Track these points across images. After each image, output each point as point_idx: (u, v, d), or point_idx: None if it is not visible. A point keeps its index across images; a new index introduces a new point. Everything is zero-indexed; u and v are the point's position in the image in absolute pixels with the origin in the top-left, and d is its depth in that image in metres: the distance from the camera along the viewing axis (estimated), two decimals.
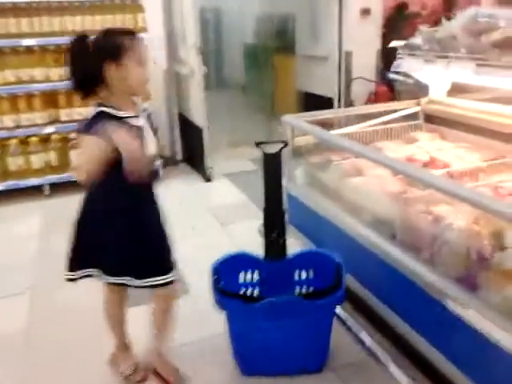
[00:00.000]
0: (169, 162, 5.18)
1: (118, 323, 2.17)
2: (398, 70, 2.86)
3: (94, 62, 1.73)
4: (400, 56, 2.84)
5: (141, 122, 1.85)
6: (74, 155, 4.07)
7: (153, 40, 4.64)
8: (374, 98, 5.48)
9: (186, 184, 4.77)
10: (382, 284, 2.14)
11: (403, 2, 5.87)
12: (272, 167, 2.16)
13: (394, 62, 2.86)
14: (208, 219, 3.90)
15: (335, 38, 5.58)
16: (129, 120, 1.79)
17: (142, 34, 4.47)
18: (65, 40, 4.31)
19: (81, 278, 1.97)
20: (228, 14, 8.38)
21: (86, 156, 1.73)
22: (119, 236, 1.89)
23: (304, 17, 6.12)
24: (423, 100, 3.03)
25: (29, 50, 4.23)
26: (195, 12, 4.30)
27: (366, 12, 5.51)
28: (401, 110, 3.09)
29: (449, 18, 2.56)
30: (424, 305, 1.83)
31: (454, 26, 2.41)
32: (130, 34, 1.80)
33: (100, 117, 1.74)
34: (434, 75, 2.68)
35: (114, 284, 1.99)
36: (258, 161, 2.10)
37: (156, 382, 2.14)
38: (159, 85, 4.90)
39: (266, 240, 2.16)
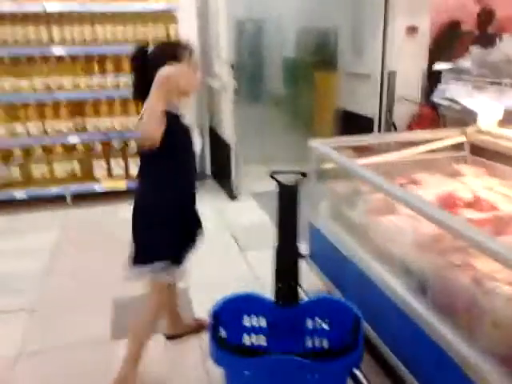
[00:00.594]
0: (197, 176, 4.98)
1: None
2: (443, 97, 2.55)
3: (152, 70, 1.81)
4: (445, 80, 2.54)
5: (188, 124, 2.04)
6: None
7: None
8: (417, 122, 5.12)
9: (211, 200, 4.54)
10: (405, 345, 1.83)
11: (456, 20, 5.50)
12: (287, 201, 1.90)
13: (439, 86, 2.56)
14: (227, 242, 3.66)
15: (379, 55, 5.28)
16: (181, 119, 1.99)
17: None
18: (94, 49, 4.33)
19: None
20: (268, 26, 8.19)
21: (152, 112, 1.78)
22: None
23: (347, 31, 5.85)
24: (470, 129, 2.69)
25: (58, 58, 4.15)
26: (229, 26, 4.10)
27: (412, 30, 5.18)
28: (444, 138, 2.77)
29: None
30: (455, 381, 1.51)
31: (510, 47, 2.10)
32: (184, 46, 1.97)
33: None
34: (484, 103, 2.36)
35: None
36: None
37: None
38: (191, 98, 4.72)
39: (277, 284, 1.89)
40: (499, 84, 2.11)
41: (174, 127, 1.90)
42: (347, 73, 5.90)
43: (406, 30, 5.18)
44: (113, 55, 4.23)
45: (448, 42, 5.42)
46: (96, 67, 4.22)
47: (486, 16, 4.91)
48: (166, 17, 4.26)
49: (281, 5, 7.32)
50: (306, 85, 6.92)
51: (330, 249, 2.39)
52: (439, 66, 2.56)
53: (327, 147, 2.44)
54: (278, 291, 1.90)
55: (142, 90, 1.88)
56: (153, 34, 4.24)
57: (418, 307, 1.72)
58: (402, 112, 5.34)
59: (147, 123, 1.79)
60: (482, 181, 2.45)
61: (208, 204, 4.47)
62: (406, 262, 1.90)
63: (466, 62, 2.39)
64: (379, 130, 5.44)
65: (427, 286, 1.76)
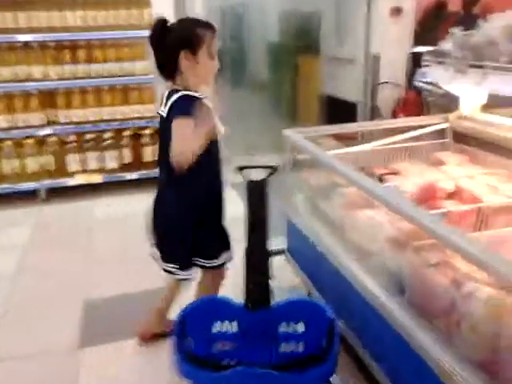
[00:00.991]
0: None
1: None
2: (424, 80, 2.43)
3: (171, 49, 1.86)
4: (427, 63, 2.41)
5: (209, 105, 1.96)
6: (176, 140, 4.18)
7: None
8: (402, 106, 5.00)
9: None
10: (383, 349, 1.72)
11: (442, 0, 5.30)
12: (255, 198, 1.78)
13: (420, 70, 2.43)
14: None
15: (362, 38, 5.14)
16: (204, 101, 1.92)
17: (147, 32, 4.16)
18: (64, 36, 4.13)
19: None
20: (251, 10, 7.99)
21: (188, 138, 1.82)
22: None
23: (329, 15, 5.69)
24: (452, 115, 2.57)
25: (26, 46, 3.96)
26: (206, 9, 3.91)
27: (397, 11, 5.03)
28: (426, 125, 2.65)
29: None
30: None
31: (493, 29, 1.97)
32: (206, 26, 1.90)
33: (186, 99, 1.86)
34: (467, 87, 2.23)
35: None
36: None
37: None
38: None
39: (247, 287, 1.77)
40: (481, 67, 1.99)
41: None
42: (331, 57, 5.75)
43: (390, 12, 5.03)
44: (84, 42, 4.04)
45: (434, 23, 5.26)
46: (67, 55, 4.03)
47: (438, 6, 4.74)
48: (140, 1, 4.08)
49: None
50: (290, 70, 6.76)
51: (306, 244, 2.27)
52: (419, 48, 2.42)
53: (300, 136, 2.31)
54: (249, 294, 1.78)
55: (168, 70, 1.92)
56: (126, 19, 4.06)
57: (395, 309, 1.61)
58: (387, 96, 5.21)
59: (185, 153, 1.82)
60: (465, 169, 2.33)
61: None
62: (382, 259, 1.78)
63: (447, 45, 2.25)
64: (364, 116, 5.32)
65: (404, 287, 1.65)
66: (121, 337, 2.39)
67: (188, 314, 1.77)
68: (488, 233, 1.77)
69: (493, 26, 1.97)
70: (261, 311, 1.76)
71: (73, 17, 3.94)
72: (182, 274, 2.13)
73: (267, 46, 7.56)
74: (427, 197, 2.18)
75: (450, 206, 1.99)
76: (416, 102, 4.70)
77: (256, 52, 7.78)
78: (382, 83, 5.10)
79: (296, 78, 6.68)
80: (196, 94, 1.92)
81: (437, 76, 2.26)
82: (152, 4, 4.14)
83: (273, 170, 1.82)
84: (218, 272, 2.21)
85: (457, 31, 2.20)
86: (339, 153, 2.52)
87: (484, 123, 2.39)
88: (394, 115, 5.16)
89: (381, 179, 2.34)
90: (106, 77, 4.11)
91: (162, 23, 1.89)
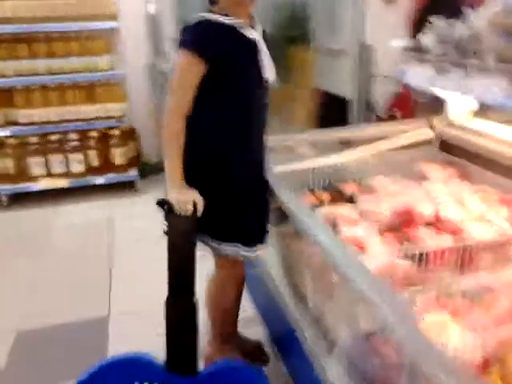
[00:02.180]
0: (153, 170, 4.46)
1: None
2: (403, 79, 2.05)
3: None
4: (405, 59, 2.03)
5: (255, 34, 1.55)
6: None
7: (128, 29, 3.94)
8: (398, 102, 4.59)
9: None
10: None
11: None
12: (179, 235, 1.45)
13: (396, 68, 2.06)
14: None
15: (354, 28, 4.72)
16: (242, 30, 1.50)
17: (109, 22, 3.81)
18: (20, 28, 3.77)
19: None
20: None
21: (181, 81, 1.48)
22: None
23: (320, 4, 5.27)
24: (438, 121, 2.20)
25: None
26: None
27: None
28: (410, 130, 2.28)
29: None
30: None
31: (479, 20, 1.59)
32: None
33: (201, 25, 1.47)
34: (451, 89, 1.85)
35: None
36: None
37: None
38: (139, 83, 4.15)
39: (168, 347, 1.44)
40: (465, 66, 1.61)
41: (233, 43, 1.50)
42: (322, 49, 5.34)
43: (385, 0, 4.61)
44: (43, 35, 3.69)
45: (434, 11, 4.84)
46: (25, 49, 3.69)
47: None
48: None
49: None
50: (282, 62, 6.35)
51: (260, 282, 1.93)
52: (396, 42, 2.04)
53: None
54: (171, 356, 1.45)
55: None
56: (89, 9, 3.70)
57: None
58: (382, 91, 4.80)
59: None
60: (451, 187, 1.96)
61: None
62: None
63: (427, 38, 1.88)
64: (357, 111, 4.93)
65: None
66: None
67: (95, 376, 1.44)
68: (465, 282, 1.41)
69: (479, 16, 1.59)
70: (185, 377, 1.43)
71: (27, 6, 3.57)
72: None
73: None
74: (403, 224, 1.83)
75: (427, 236, 1.65)
76: (412, 98, 4.30)
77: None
78: (377, 76, 4.68)
79: (287, 70, 6.27)
80: (226, 20, 1.47)
81: (415, 75, 1.88)
82: None
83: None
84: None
85: (438, 22, 1.81)
86: (306, 167, 2.17)
87: (473, 132, 2.02)
88: (390, 111, 4.77)
89: (351, 199, 1.99)
90: (69, 73, 3.77)
91: None
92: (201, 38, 1.46)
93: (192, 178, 1.55)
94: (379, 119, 4.80)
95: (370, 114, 4.83)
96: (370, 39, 4.63)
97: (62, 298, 2.67)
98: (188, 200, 1.49)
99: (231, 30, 1.49)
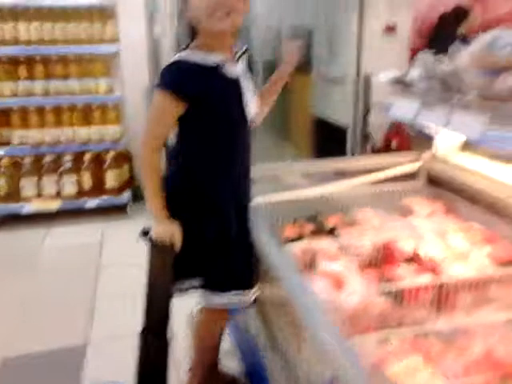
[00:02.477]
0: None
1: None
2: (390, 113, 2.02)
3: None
4: (392, 92, 2.01)
5: (238, 70, 1.51)
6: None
7: (128, 52, 3.97)
8: (396, 132, 4.58)
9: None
10: None
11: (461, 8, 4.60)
12: (159, 266, 1.42)
13: (382, 102, 2.04)
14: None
15: (353, 57, 4.75)
16: (222, 69, 1.46)
17: (109, 46, 3.83)
18: (20, 50, 3.80)
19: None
20: (245, 27, 7.68)
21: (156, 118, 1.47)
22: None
23: (321, 32, 5.32)
24: (426, 155, 2.17)
25: None
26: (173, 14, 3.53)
27: (390, 29, 4.64)
28: (398, 164, 2.25)
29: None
30: None
31: (463, 56, 1.57)
32: None
33: (177, 65, 1.43)
34: (435, 124, 1.83)
35: None
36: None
37: None
38: (137, 106, 4.17)
39: (137, 380, 1.39)
40: (449, 102, 1.59)
41: (211, 84, 1.45)
42: (321, 77, 5.37)
43: (385, 29, 4.64)
44: (41, 57, 3.72)
45: (439, 43, 4.86)
46: (23, 71, 3.72)
47: (456, 14, 4.25)
48: (103, 14, 3.75)
49: (255, 5, 6.83)
50: (283, 89, 6.39)
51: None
52: (384, 75, 2.03)
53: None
54: None
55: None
56: (88, 32, 3.74)
57: None
58: (379, 120, 4.80)
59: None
60: (435, 223, 1.91)
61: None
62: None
63: (414, 72, 1.86)
64: (353, 141, 4.92)
65: None
66: None
67: None
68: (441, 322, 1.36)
69: (463, 52, 1.57)
70: None
71: (26, 29, 3.61)
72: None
73: (262, 63, 7.22)
74: (383, 260, 1.79)
75: (406, 274, 1.60)
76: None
77: (253, 69, 7.46)
78: (376, 105, 4.69)
79: (288, 97, 6.33)
80: (205, 60, 1.44)
81: (402, 110, 1.86)
82: (117, 16, 3.82)
83: None
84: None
85: (425, 56, 1.80)
86: (292, 198, 2.14)
87: (459, 167, 1.98)
88: (387, 141, 4.76)
89: (332, 232, 1.95)
90: (67, 95, 3.78)
91: None
92: (177, 78, 1.43)
93: (173, 211, 1.52)
94: (375, 149, 4.79)
95: (366, 143, 4.83)
96: (369, 68, 4.65)
97: (45, 323, 2.62)
98: (165, 233, 1.47)
99: (210, 70, 1.46)
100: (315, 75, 5.52)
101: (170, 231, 1.47)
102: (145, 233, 1.51)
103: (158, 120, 1.47)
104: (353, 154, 4.94)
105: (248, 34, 7.96)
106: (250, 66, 1.65)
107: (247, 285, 1.62)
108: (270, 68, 7.01)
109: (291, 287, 1.10)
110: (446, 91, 1.66)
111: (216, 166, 1.53)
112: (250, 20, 7.45)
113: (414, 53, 4.77)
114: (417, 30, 4.95)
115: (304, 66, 5.92)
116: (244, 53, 1.58)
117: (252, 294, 1.63)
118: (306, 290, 1.09)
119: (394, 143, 4.68)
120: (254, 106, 1.56)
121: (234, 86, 1.50)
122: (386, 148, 4.72)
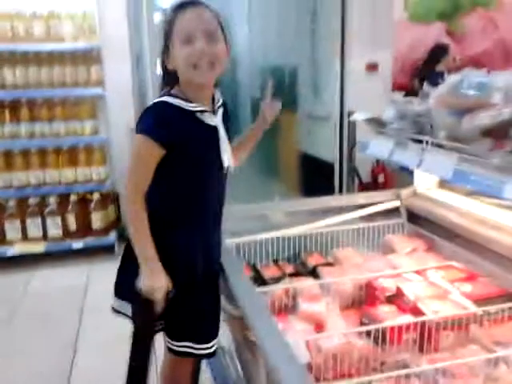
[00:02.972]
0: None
1: None
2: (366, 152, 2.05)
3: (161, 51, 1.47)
4: (368, 131, 2.05)
5: (217, 119, 1.50)
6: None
7: (113, 94, 4.02)
8: (379, 168, 4.64)
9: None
10: None
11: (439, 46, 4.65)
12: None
13: (360, 141, 2.07)
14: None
15: (336, 95, 4.84)
16: (201, 116, 1.46)
17: (95, 89, 3.89)
18: (3, 94, 3.69)
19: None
20: (233, 66, 7.83)
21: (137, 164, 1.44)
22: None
23: (305, 71, 5.44)
24: (405, 192, 2.18)
25: None
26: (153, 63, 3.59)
27: (372, 67, 4.75)
28: (379, 202, 2.27)
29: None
30: None
31: (433, 97, 1.60)
32: (184, 3, 1.41)
33: (157, 109, 1.44)
34: (408, 163, 1.84)
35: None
36: None
37: None
38: (123, 147, 4.19)
39: None
40: (421, 142, 1.61)
41: (189, 129, 1.44)
42: (307, 115, 5.46)
43: (366, 67, 4.76)
44: (26, 100, 3.76)
45: (424, 80, 4.96)
46: (8, 115, 3.74)
47: (435, 52, 4.37)
48: (87, 57, 3.82)
49: (243, 43, 6.98)
50: (272, 126, 6.49)
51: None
52: (359, 115, 2.06)
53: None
54: None
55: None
56: (73, 76, 3.79)
57: None
58: (366, 157, 4.85)
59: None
60: (416, 261, 1.91)
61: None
62: None
63: (389, 112, 1.90)
64: (340, 177, 4.96)
65: None
66: None
67: None
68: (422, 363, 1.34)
69: (432, 93, 1.61)
70: None
71: (11, 74, 3.65)
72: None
73: (250, 100, 7.33)
74: (364, 299, 1.78)
75: (387, 314, 1.59)
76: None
77: (240, 107, 7.55)
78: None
79: (276, 134, 6.41)
80: (184, 105, 1.43)
81: (377, 148, 1.89)
82: (102, 60, 3.88)
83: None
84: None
85: (397, 97, 1.84)
86: (274, 237, 2.14)
87: (438, 204, 2.00)
88: (374, 176, 4.81)
89: (314, 272, 1.94)
90: (52, 137, 3.81)
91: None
92: (156, 122, 1.42)
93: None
94: (362, 184, 4.83)
95: (353, 178, 4.87)
96: (353, 105, 4.73)
97: (21, 373, 2.55)
98: (155, 286, 1.40)
99: (189, 115, 1.45)
100: (301, 113, 5.61)
101: (160, 284, 1.41)
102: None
103: (138, 165, 1.45)
104: (340, 189, 4.98)
105: (233, 71, 8.13)
106: (227, 118, 1.62)
107: (205, 338, 1.57)
108: (256, 105, 7.12)
109: (261, 332, 1.08)
110: (418, 131, 1.69)
111: (185, 212, 1.51)
112: (235, 58, 7.62)
113: (397, 90, 4.90)
114: (399, 68, 5.10)
115: (290, 105, 6.04)
116: (222, 105, 1.58)
117: (210, 348, 1.58)
118: (276, 337, 1.07)
119: (380, 178, 4.74)
120: (229, 156, 1.55)
121: (211, 132, 1.50)
122: (373, 183, 4.77)
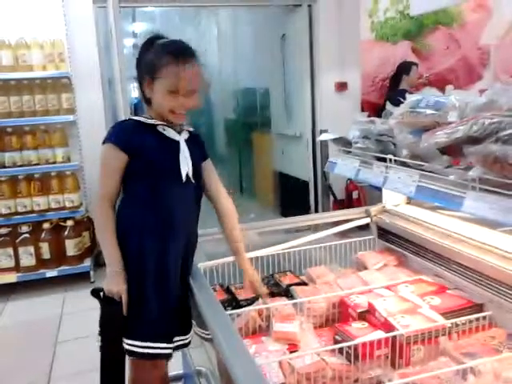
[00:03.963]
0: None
1: None
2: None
3: (139, 71, 1.59)
4: (335, 151, 2.10)
5: (179, 138, 1.60)
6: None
7: (85, 121, 4.02)
8: (352, 185, 4.71)
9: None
10: None
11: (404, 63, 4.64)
12: (112, 326, 1.42)
13: (328, 160, 2.11)
14: None
15: (308, 115, 4.93)
16: (163, 131, 1.58)
17: (66, 116, 3.88)
18: None
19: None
20: (211, 88, 7.92)
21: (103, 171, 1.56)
22: None
23: (277, 92, 5.52)
24: (375, 209, 2.23)
25: None
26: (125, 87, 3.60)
27: (342, 86, 4.86)
28: (350, 220, 2.31)
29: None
30: None
31: (394, 116, 1.65)
32: (177, 54, 1.49)
33: (122, 122, 1.66)
34: (373, 181, 1.89)
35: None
36: None
37: None
38: (96, 173, 4.15)
39: None
40: (384, 161, 1.66)
41: (147, 139, 1.56)
42: (280, 134, 5.53)
43: (336, 87, 4.86)
44: None
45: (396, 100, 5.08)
46: None
47: (400, 70, 4.46)
48: (56, 86, 3.81)
49: (218, 66, 7.07)
50: (245, 146, 6.57)
51: None
52: (324, 135, 2.11)
53: None
54: None
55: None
56: (43, 105, 3.77)
57: None
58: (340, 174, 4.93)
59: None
60: (386, 276, 1.95)
61: None
62: None
63: (353, 131, 1.95)
64: (315, 194, 5.02)
65: None
66: None
67: None
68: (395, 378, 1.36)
69: (395, 111, 1.66)
70: None
71: None
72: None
73: (224, 122, 7.40)
74: (337, 317, 1.80)
75: (359, 331, 1.60)
76: None
77: (214, 127, 7.62)
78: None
79: (251, 154, 6.48)
80: (148, 120, 1.57)
81: (343, 167, 1.93)
82: (73, 88, 3.88)
83: None
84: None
85: (360, 117, 1.89)
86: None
87: (406, 220, 2.04)
88: (348, 193, 4.87)
89: (287, 292, 1.95)
90: (23, 166, 3.77)
91: (149, 41, 1.57)
92: (117, 131, 1.57)
93: None
94: (337, 201, 4.89)
95: (328, 195, 4.93)
96: (324, 124, 4.82)
97: None
98: (113, 291, 1.48)
99: (149, 127, 1.57)
100: (274, 133, 5.68)
101: (117, 289, 1.49)
102: (95, 291, 1.53)
103: (104, 171, 1.56)
104: (316, 206, 5.03)
105: (207, 94, 8.19)
106: (201, 145, 1.73)
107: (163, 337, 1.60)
108: (231, 127, 7.21)
109: (230, 356, 1.09)
110: (382, 150, 1.74)
111: (150, 219, 1.56)
112: (210, 83, 7.69)
113: (368, 109, 5.00)
114: (370, 86, 5.20)
115: (263, 125, 6.12)
116: (195, 136, 1.69)
117: (169, 348, 1.60)
118: (245, 360, 1.07)
119: (354, 194, 4.81)
120: (189, 169, 1.60)
121: (170, 144, 1.58)
122: (348, 199, 4.84)
